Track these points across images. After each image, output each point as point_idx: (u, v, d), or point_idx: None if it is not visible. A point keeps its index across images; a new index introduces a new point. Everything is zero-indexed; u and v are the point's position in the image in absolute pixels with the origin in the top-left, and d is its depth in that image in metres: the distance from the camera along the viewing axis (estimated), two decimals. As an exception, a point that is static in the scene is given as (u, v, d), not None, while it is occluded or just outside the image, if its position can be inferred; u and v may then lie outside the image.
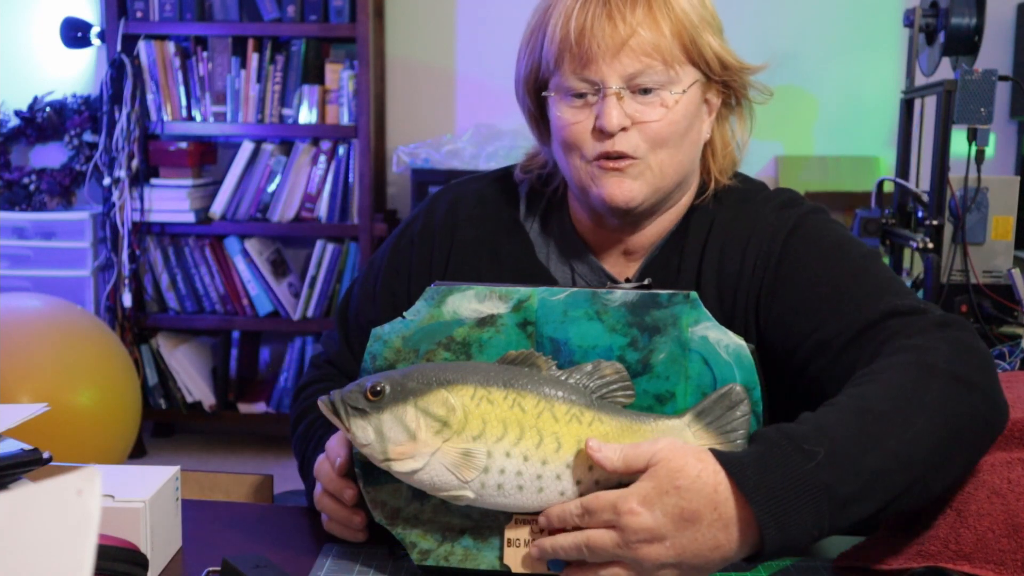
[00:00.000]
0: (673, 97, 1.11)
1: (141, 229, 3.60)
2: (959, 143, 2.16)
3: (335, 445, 1.05)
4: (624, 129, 1.10)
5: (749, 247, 1.15)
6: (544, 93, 1.16)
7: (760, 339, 1.13)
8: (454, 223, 1.25)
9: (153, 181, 3.60)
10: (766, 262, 1.14)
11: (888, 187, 2.68)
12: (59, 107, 3.69)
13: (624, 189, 1.12)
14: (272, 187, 3.64)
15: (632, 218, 1.17)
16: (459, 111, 3.80)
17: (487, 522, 0.98)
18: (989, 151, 2.70)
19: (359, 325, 1.27)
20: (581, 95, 1.12)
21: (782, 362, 1.11)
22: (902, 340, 0.99)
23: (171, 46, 3.61)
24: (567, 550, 0.90)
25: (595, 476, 0.93)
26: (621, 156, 1.11)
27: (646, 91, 1.11)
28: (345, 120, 3.59)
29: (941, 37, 2.37)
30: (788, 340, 1.11)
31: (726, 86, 1.17)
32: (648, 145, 1.11)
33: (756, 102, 1.21)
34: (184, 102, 3.63)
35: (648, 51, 1.09)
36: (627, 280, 1.21)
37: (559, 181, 1.25)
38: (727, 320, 1.12)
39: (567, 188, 1.24)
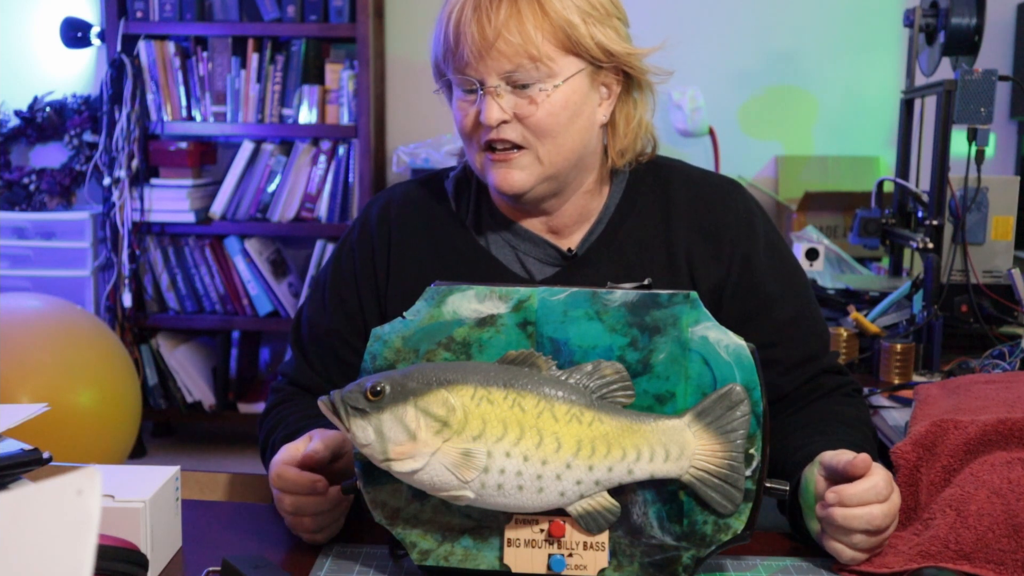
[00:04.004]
0: (545, 92, 1.16)
1: (141, 229, 3.60)
2: (959, 143, 2.15)
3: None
4: (506, 122, 1.16)
5: (713, 232, 1.24)
6: (435, 91, 1.25)
7: None
8: (388, 223, 1.30)
9: (153, 181, 3.60)
10: (732, 255, 1.24)
11: (888, 187, 2.67)
12: (59, 107, 3.69)
13: (512, 178, 1.19)
14: (272, 187, 3.64)
15: (527, 203, 1.23)
16: (459, 111, 3.80)
17: (487, 522, 0.98)
18: (989, 151, 2.69)
19: (315, 337, 1.31)
20: (469, 90, 1.18)
21: None
22: (845, 390, 1.27)
23: (171, 46, 3.60)
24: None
25: (595, 476, 0.93)
26: (510, 147, 1.18)
27: (524, 85, 1.16)
28: (345, 120, 3.59)
29: (941, 37, 2.36)
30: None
31: (620, 71, 1.21)
32: (533, 135, 1.17)
33: (656, 83, 1.25)
34: (184, 102, 3.63)
35: (516, 51, 1.14)
36: (569, 250, 1.26)
37: None
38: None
39: None
